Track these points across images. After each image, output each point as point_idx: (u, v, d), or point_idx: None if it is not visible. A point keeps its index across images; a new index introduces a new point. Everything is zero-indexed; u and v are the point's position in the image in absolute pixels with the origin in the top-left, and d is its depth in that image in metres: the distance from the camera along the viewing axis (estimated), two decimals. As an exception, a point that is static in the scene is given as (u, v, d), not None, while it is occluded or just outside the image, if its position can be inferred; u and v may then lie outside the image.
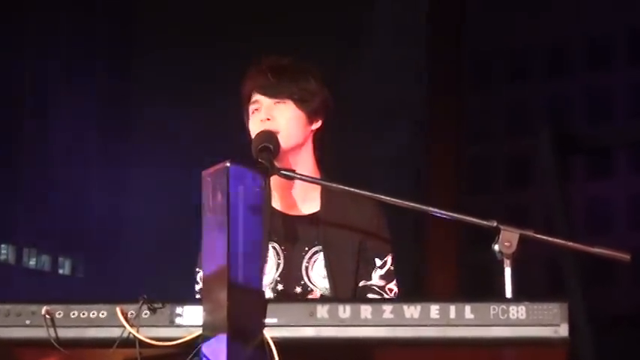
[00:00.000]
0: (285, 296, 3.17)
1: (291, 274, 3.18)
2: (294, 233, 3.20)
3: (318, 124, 3.22)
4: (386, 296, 3.20)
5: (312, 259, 3.19)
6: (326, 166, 3.27)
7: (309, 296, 3.18)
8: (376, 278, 3.21)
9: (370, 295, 3.19)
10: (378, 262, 3.21)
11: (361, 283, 3.19)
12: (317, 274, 3.18)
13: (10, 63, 39.94)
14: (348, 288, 3.17)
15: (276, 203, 3.22)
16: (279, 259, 3.19)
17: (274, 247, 3.21)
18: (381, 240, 3.22)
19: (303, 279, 3.19)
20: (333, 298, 3.12)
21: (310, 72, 3.21)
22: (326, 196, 3.21)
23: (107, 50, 43.12)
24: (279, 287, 3.19)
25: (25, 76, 41.43)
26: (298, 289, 3.19)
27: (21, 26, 40.42)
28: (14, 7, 39.02)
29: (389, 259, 3.23)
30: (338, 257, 3.18)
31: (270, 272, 3.19)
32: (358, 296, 3.17)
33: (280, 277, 3.19)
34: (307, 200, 3.22)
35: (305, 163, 3.20)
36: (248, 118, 3.22)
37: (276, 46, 3.41)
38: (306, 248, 3.20)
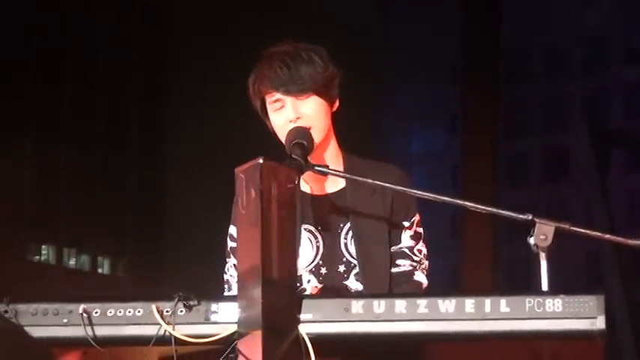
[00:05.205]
0: (328, 278, 3.17)
1: (333, 254, 3.18)
2: (326, 213, 3.20)
3: (336, 105, 3.22)
4: (415, 258, 3.19)
5: (349, 235, 3.20)
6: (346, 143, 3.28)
7: (352, 272, 3.17)
8: (406, 239, 3.21)
9: (400, 261, 3.18)
10: (406, 223, 3.21)
11: (393, 249, 3.20)
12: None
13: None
14: (380, 257, 3.16)
15: (305, 186, 3.22)
16: (317, 242, 3.20)
17: (310, 230, 3.20)
18: (407, 202, 3.21)
19: (344, 256, 3.19)
20: (367, 294, 3.11)
21: (318, 53, 3.17)
22: (350, 170, 3.20)
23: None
24: (323, 270, 3.18)
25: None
26: (342, 268, 3.18)
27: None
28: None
29: (416, 219, 3.23)
30: (367, 228, 3.17)
31: (309, 256, 3.18)
32: (392, 262, 3.17)
33: (322, 259, 3.19)
34: (333, 178, 3.21)
35: (330, 147, 3.21)
36: (266, 113, 3.19)
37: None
38: (341, 225, 3.20)
